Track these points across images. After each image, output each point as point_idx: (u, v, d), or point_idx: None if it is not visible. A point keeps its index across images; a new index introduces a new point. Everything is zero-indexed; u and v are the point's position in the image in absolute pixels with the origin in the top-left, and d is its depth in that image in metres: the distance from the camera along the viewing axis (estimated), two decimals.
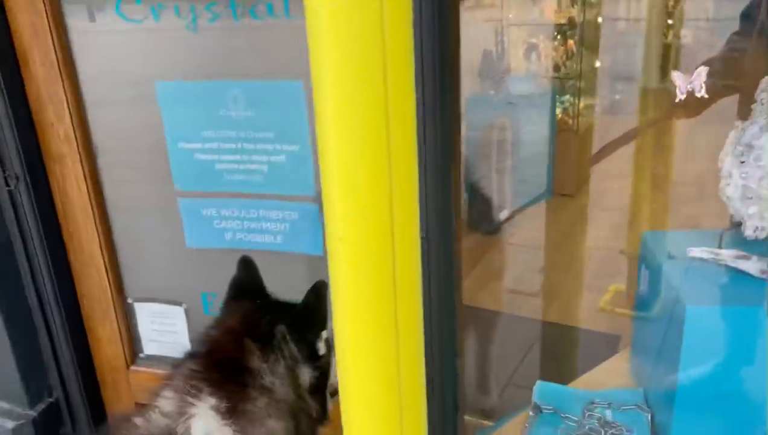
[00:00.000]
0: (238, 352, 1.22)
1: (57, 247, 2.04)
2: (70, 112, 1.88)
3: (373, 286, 0.79)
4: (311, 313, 1.30)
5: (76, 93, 1.88)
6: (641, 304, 1.83)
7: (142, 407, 1.24)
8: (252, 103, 1.73)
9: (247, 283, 1.41)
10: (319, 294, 1.31)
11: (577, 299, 3.75)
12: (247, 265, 1.42)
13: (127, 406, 2.23)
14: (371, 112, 0.71)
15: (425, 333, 0.90)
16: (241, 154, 1.80)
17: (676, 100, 1.43)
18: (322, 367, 1.32)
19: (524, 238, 4.30)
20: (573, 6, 4.59)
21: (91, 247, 2.04)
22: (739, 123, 1.62)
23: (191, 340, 1.32)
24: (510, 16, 4.96)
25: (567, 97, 4.91)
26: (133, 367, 2.19)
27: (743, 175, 1.57)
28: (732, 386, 1.44)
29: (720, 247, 1.62)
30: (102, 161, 1.97)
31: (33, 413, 2.13)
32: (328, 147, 0.73)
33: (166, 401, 1.19)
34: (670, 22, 4.56)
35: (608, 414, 1.68)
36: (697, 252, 1.60)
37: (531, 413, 1.71)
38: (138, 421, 1.19)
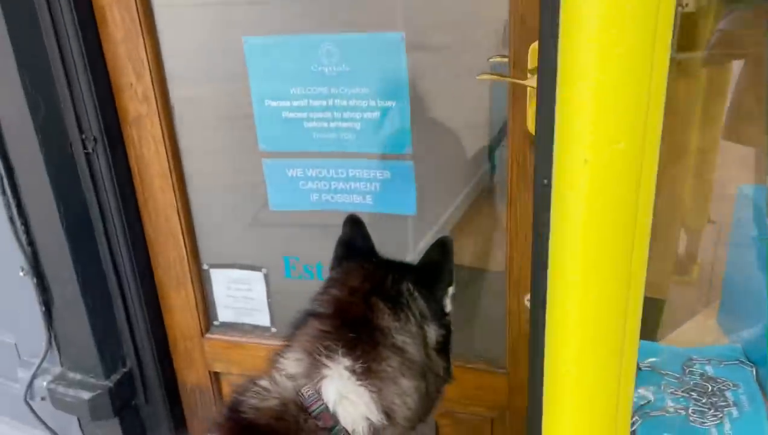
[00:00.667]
0: (369, 311, 1.20)
1: (132, 213, 1.99)
2: (150, 70, 1.82)
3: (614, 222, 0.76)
4: (438, 269, 1.27)
5: (156, 48, 1.82)
6: (736, 258, 1.82)
7: (263, 371, 1.21)
8: (347, 57, 1.68)
9: (357, 241, 1.37)
10: (445, 249, 1.28)
11: None
12: (355, 224, 1.39)
13: (201, 375, 2.20)
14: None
15: None
16: (333, 112, 1.76)
17: None
18: (448, 324, 1.30)
19: None
20: None
21: (168, 213, 1.99)
22: None
23: (313, 299, 1.28)
24: None
25: None
26: (207, 335, 2.15)
27: None
28: None
29: None
30: (180, 122, 1.92)
31: (108, 383, 2.09)
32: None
33: (293, 363, 1.16)
34: None
35: (709, 370, 1.68)
36: None
37: None
38: (264, 383, 1.16)
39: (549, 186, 1.30)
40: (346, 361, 1.13)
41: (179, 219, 1.99)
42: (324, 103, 1.75)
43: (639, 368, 1.70)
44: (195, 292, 2.09)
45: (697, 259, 3.04)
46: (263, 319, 2.09)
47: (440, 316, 1.28)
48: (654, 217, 0.77)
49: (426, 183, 1.79)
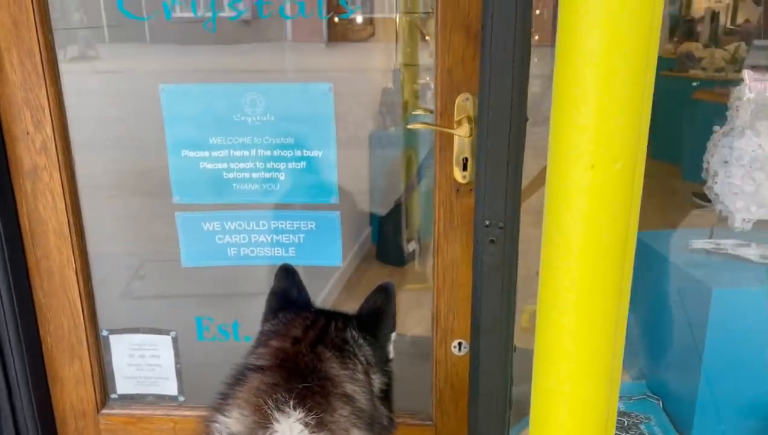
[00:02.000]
0: (317, 360, 1.15)
1: (20, 275, 1.77)
2: (51, 119, 1.67)
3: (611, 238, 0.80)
4: (381, 315, 1.27)
5: (58, 96, 1.69)
6: (641, 300, 1.97)
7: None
8: (272, 106, 1.66)
9: (292, 292, 1.33)
10: (387, 294, 1.28)
11: None
12: (289, 273, 1.35)
13: None
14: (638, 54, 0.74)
15: None
16: (256, 162, 1.71)
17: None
18: (390, 372, 1.29)
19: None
20: None
21: (64, 273, 1.80)
22: (717, 128, 1.84)
23: (250, 354, 1.19)
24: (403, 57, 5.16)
25: None
26: (103, 411, 1.93)
27: (728, 174, 1.77)
28: (752, 362, 1.60)
29: (710, 238, 1.81)
30: (81, 175, 1.77)
31: None
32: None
33: (236, 420, 1.08)
34: None
35: (620, 405, 1.78)
36: (700, 244, 1.77)
37: None
38: None
39: (492, 226, 1.35)
40: (298, 414, 1.06)
41: (77, 280, 1.81)
42: (246, 153, 1.71)
43: None
44: (91, 361, 1.88)
45: None
46: (170, 388, 1.92)
47: (384, 363, 1.26)
48: None
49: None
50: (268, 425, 1.04)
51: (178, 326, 1.88)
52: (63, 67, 1.65)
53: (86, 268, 1.84)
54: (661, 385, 1.82)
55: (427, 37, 5.18)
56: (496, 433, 1.48)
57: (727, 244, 1.72)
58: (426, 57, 5.35)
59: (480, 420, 1.49)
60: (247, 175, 1.72)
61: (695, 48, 6.20)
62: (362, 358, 1.21)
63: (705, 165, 1.82)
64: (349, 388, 1.16)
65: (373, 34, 4.45)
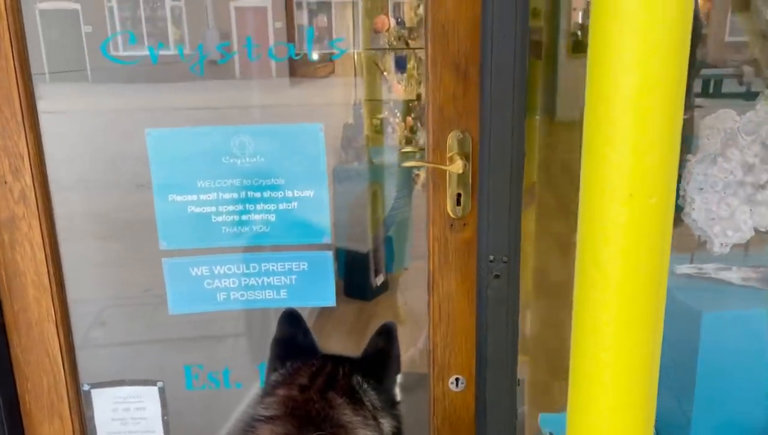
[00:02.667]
0: (329, 407, 1.14)
1: None
2: (31, 167, 1.61)
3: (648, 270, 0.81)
4: (385, 358, 1.26)
5: (38, 143, 1.63)
6: None
7: None
8: (261, 148, 1.65)
9: (298, 338, 1.32)
10: (390, 336, 1.27)
11: None
12: (294, 319, 1.34)
13: None
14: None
15: None
16: (245, 204, 1.69)
17: None
18: (399, 415, 1.27)
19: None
20: (420, 84, 4.98)
21: (43, 327, 1.72)
22: (690, 156, 1.91)
23: (257, 403, 1.16)
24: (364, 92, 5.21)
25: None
26: None
27: (704, 200, 1.84)
28: (745, 384, 1.64)
29: (691, 263, 1.86)
30: (62, 224, 1.71)
31: None
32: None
33: None
34: None
35: None
36: (683, 269, 1.82)
37: None
38: None
39: (496, 260, 1.36)
40: None
41: (57, 333, 1.73)
42: (235, 195, 1.68)
43: None
44: (72, 418, 1.79)
45: None
46: None
47: (391, 407, 1.24)
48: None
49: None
50: None
51: (166, 375, 1.82)
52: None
53: (66, 320, 1.76)
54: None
55: (385, 73, 5.26)
56: None
57: (709, 269, 1.78)
58: (385, 92, 5.43)
59: None
60: (236, 217, 1.69)
61: None
62: (369, 404, 1.19)
63: (681, 192, 1.89)
64: (363, 433, 1.14)
65: (333, 71, 4.50)
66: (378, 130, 5.15)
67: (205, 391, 1.80)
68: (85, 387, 1.82)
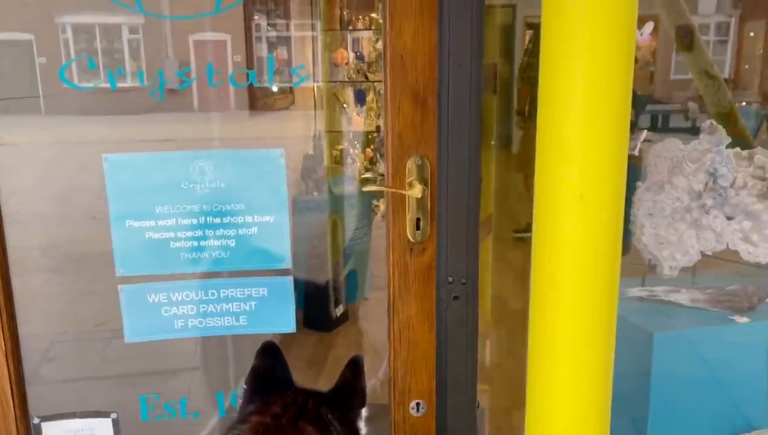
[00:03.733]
0: (298, 433, 1.14)
1: None
2: None
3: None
4: (350, 391, 1.27)
5: None
6: None
7: None
8: (221, 173, 1.65)
9: (276, 371, 1.31)
10: (356, 369, 1.28)
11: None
12: (274, 352, 1.33)
13: None
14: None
15: None
16: (205, 230, 1.68)
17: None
18: None
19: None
20: (379, 117, 5.04)
21: None
22: (639, 183, 1.99)
23: (230, 428, 1.16)
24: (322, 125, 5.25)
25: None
26: None
27: (653, 225, 1.91)
28: (693, 402, 1.69)
29: (643, 287, 1.93)
30: (13, 246, 1.67)
31: None
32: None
33: None
34: None
35: None
36: (635, 291, 1.88)
37: None
38: None
39: (455, 282, 1.38)
40: None
41: (6, 365, 1.67)
42: (195, 221, 1.67)
43: None
44: None
45: None
46: None
47: None
48: None
49: None
50: None
51: (120, 407, 1.77)
52: None
53: (17, 352, 1.71)
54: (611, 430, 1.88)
55: (345, 105, 5.31)
56: None
57: (659, 291, 1.84)
58: (345, 124, 5.48)
59: None
60: (195, 243, 1.68)
61: None
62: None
63: (632, 217, 1.95)
64: None
65: (293, 102, 4.53)
66: (338, 160, 5.18)
67: (161, 422, 1.76)
68: (35, 420, 1.76)
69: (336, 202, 4.63)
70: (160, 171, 1.65)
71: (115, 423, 1.77)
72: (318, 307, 4.00)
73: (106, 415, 1.77)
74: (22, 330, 1.73)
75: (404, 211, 1.65)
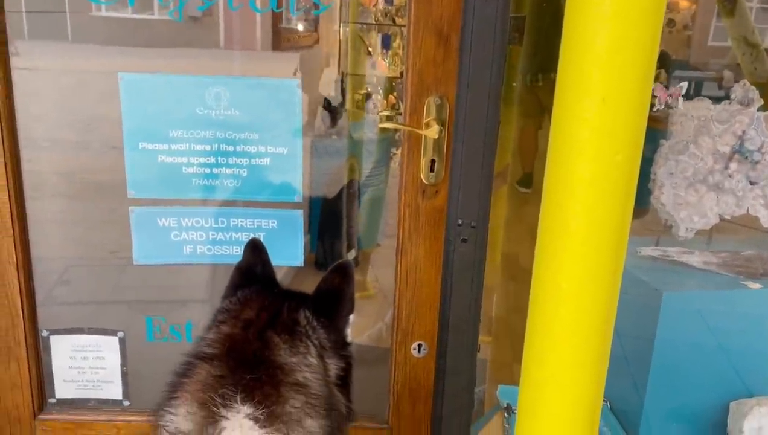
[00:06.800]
0: (265, 347, 1.09)
1: None
2: (0, 121, 1.58)
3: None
4: (338, 296, 1.19)
5: (7, 91, 1.59)
6: None
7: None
8: (237, 101, 1.63)
9: (257, 268, 1.26)
10: (345, 274, 1.20)
11: None
12: (257, 249, 1.27)
13: None
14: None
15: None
16: (218, 157, 1.67)
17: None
18: (349, 356, 1.22)
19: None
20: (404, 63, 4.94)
21: (4, 269, 1.69)
22: (663, 141, 1.94)
23: (201, 338, 1.13)
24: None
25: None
26: (40, 416, 1.82)
27: (674, 185, 1.86)
28: (697, 364, 1.68)
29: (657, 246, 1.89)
30: (26, 163, 1.68)
31: None
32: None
33: (183, 419, 1.02)
34: None
35: None
36: (648, 251, 1.85)
37: (505, 414, 1.79)
38: None
39: (464, 225, 1.36)
40: (247, 409, 1.00)
41: (18, 276, 1.70)
42: (208, 147, 1.66)
43: (513, 410, 1.79)
44: (29, 363, 1.77)
45: None
46: (114, 392, 1.83)
47: (341, 348, 1.19)
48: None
49: None
50: (217, 422, 0.99)
51: (127, 327, 1.80)
52: None
53: (28, 265, 1.73)
54: (610, 387, 1.88)
55: (369, 49, 5.22)
56: (460, 431, 1.49)
57: (672, 252, 1.81)
58: (369, 68, 5.41)
59: (444, 419, 1.50)
60: (207, 170, 1.68)
61: None
62: (316, 342, 1.14)
63: (652, 175, 1.91)
64: (301, 375, 1.09)
65: (317, 41, 4.44)
66: (359, 105, 5.12)
67: (166, 344, 1.79)
68: (44, 333, 1.80)
69: (355, 147, 4.59)
70: (175, 94, 1.63)
71: (122, 341, 1.80)
72: (330, 250, 4.02)
73: (113, 333, 1.80)
74: (39, 253, 1.75)
75: (419, 153, 1.62)
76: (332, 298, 1.18)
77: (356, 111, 5.10)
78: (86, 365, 1.82)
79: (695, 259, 1.80)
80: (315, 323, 1.14)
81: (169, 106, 1.63)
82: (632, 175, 0.82)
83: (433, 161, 1.60)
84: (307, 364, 1.10)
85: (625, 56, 0.76)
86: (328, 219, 4.15)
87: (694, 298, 1.67)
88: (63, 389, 1.83)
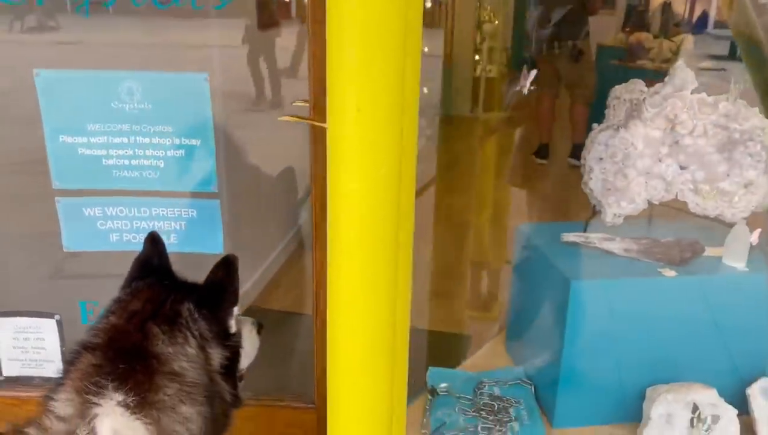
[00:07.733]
0: (143, 338, 1.14)
1: None
2: None
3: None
4: (222, 289, 1.24)
5: None
6: (518, 290, 2.04)
7: (33, 417, 1.12)
8: (149, 95, 1.67)
9: (153, 260, 1.31)
10: (230, 268, 1.24)
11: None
12: (154, 241, 1.32)
13: None
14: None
15: None
16: (135, 149, 1.72)
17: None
18: (234, 346, 1.27)
19: None
20: None
21: None
22: (595, 125, 1.90)
23: (90, 328, 1.19)
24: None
25: None
26: None
27: (602, 170, 1.83)
28: (610, 351, 1.67)
29: (584, 232, 1.87)
30: None
31: None
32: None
33: (63, 404, 1.08)
34: (477, 57, 5.02)
35: (496, 390, 1.86)
36: (570, 237, 1.83)
37: (429, 397, 1.82)
38: (32, 431, 1.08)
39: None
40: (118, 396, 1.06)
41: None
42: (125, 140, 1.71)
43: (437, 393, 1.83)
44: None
45: (498, 297, 3.34)
46: (56, 371, 1.93)
47: (224, 338, 1.24)
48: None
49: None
50: (91, 409, 1.05)
51: (63, 309, 1.89)
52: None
53: None
54: (533, 371, 1.90)
55: None
56: None
57: (595, 238, 1.79)
58: None
59: None
60: (126, 162, 1.73)
61: (645, 38, 6.25)
62: (196, 332, 1.19)
63: (582, 161, 1.88)
64: (177, 365, 1.15)
65: None
66: None
67: None
68: None
69: None
70: (90, 88, 1.68)
71: (59, 324, 1.89)
72: None
73: (50, 316, 1.89)
74: None
75: (325, 144, 1.64)
76: (216, 292, 1.23)
77: None
78: (28, 345, 1.92)
79: (616, 246, 1.78)
80: (197, 315, 1.19)
81: (86, 100, 1.69)
82: (401, 186, 0.83)
83: None
84: (183, 354, 1.16)
85: (374, 75, 0.77)
86: None
87: (605, 287, 1.66)
88: (9, 367, 1.95)
